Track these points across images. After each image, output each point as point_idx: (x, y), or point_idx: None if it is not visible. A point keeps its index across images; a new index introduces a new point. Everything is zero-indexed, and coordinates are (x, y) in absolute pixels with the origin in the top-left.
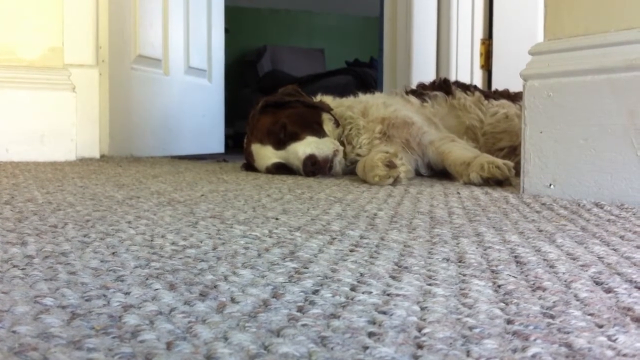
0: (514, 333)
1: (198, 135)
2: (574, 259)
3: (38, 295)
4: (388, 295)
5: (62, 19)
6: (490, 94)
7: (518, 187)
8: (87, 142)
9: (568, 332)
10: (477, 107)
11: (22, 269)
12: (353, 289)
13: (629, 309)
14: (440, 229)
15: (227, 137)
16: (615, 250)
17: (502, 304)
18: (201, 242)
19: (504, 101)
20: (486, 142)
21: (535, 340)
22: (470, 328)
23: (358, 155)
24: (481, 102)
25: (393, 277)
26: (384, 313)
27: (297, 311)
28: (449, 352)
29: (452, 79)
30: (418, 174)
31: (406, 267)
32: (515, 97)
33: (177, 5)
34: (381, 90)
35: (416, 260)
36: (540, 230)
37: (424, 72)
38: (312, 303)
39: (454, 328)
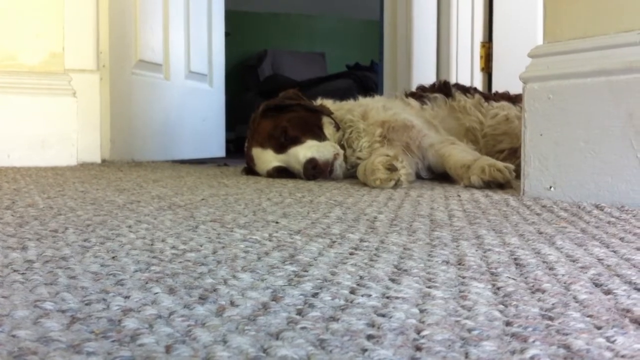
0: (513, 335)
1: (199, 140)
2: (573, 261)
3: (38, 300)
4: (387, 297)
5: (62, 24)
6: (490, 95)
7: (518, 189)
8: (88, 147)
9: (567, 334)
10: (477, 109)
11: (23, 273)
12: (352, 291)
13: (627, 311)
14: (440, 232)
15: (228, 142)
16: (615, 252)
17: (501, 306)
18: (201, 246)
19: (504, 103)
20: (486, 144)
21: (533, 341)
22: (469, 330)
23: (358, 158)
24: (481, 104)
25: (392, 280)
26: (383, 316)
27: (297, 314)
28: (447, 354)
29: (453, 81)
30: (418, 177)
31: (405, 270)
32: (515, 99)
33: (177, 9)
34: (382, 94)
35: (416, 263)
36: (540, 233)
37: (425, 75)
38: (312, 306)
39: (452, 330)
